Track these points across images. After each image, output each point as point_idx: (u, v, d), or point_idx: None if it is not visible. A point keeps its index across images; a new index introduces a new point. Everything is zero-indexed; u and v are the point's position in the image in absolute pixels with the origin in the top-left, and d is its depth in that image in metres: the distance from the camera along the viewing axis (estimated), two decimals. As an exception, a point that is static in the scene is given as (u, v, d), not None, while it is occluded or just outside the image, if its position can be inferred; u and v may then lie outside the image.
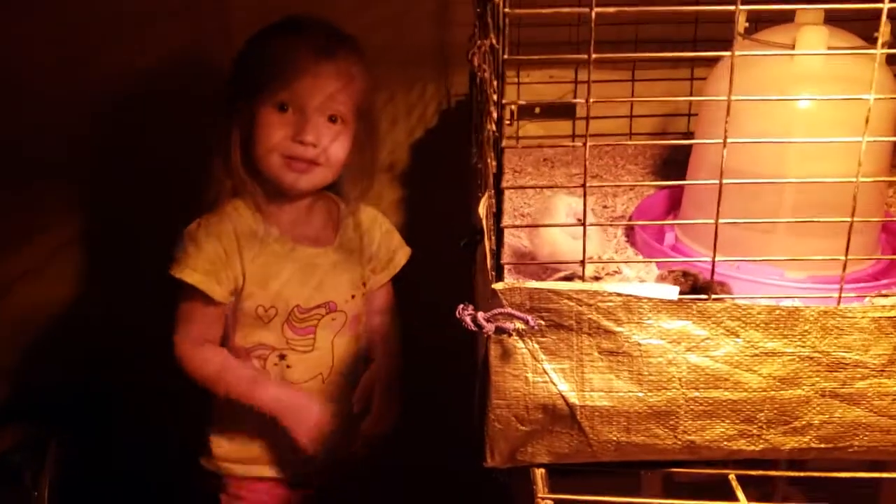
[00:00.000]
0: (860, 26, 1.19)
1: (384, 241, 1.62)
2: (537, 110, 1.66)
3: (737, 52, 0.78)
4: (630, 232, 1.33)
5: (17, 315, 1.98)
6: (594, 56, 0.77)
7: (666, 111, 1.74)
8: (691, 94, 1.69)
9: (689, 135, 1.72)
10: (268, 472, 1.55)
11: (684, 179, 1.33)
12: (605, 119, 1.72)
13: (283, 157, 1.43)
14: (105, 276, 1.97)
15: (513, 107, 0.80)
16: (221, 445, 1.54)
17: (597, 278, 1.00)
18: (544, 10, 0.77)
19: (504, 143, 0.81)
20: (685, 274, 1.06)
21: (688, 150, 1.63)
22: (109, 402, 1.98)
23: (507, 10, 0.76)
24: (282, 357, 1.50)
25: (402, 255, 1.64)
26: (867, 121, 0.79)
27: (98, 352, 1.98)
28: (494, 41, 0.81)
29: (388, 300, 1.65)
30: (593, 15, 0.75)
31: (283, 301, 1.47)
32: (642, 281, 1.13)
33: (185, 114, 1.73)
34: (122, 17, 1.75)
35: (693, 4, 1.15)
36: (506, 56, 0.78)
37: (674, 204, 1.36)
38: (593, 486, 0.97)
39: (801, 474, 0.94)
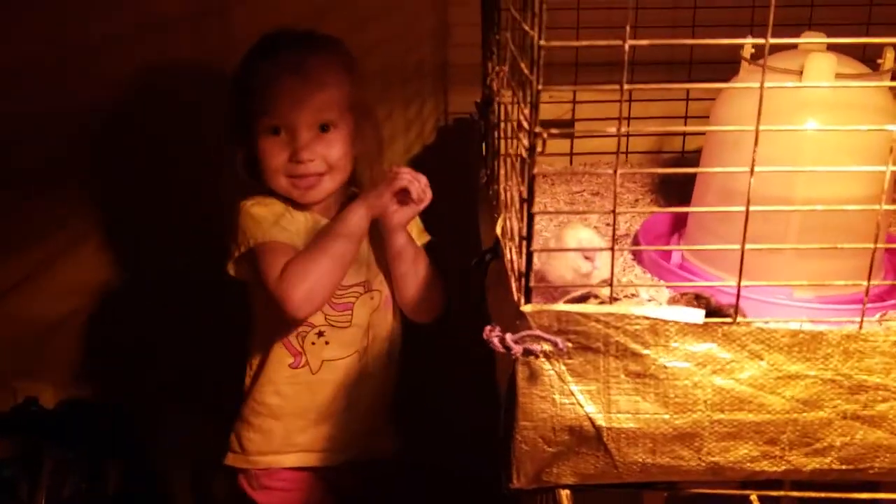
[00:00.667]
0: (857, 49, 1.23)
1: None
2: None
3: (767, 84, 0.79)
4: (636, 252, 1.35)
5: (12, 326, 1.97)
6: (626, 86, 0.79)
7: (661, 129, 1.76)
8: (686, 115, 1.72)
9: (687, 154, 1.75)
10: (294, 461, 1.58)
11: (685, 197, 1.35)
12: (599, 137, 1.74)
13: (288, 177, 1.49)
14: (104, 288, 1.98)
15: (545, 135, 0.81)
16: (252, 440, 1.57)
17: (614, 299, 1.02)
18: (579, 43, 0.78)
19: (536, 169, 0.83)
20: (698, 297, 1.08)
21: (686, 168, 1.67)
22: (113, 415, 1.98)
23: (542, 42, 0.78)
24: (320, 334, 1.52)
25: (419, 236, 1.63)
26: (892, 150, 0.80)
27: (99, 365, 1.98)
28: (527, 71, 0.82)
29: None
30: (626, 48, 0.77)
31: None
32: (652, 299, 1.15)
33: (187, 120, 1.75)
34: (125, 22, 1.76)
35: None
36: (540, 87, 0.79)
37: (678, 222, 1.39)
38: (591, 499, 0.99)
39: (801, 494, 0.96)
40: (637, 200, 1.55)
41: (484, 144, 1.35)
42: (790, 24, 1.46)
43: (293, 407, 1.55)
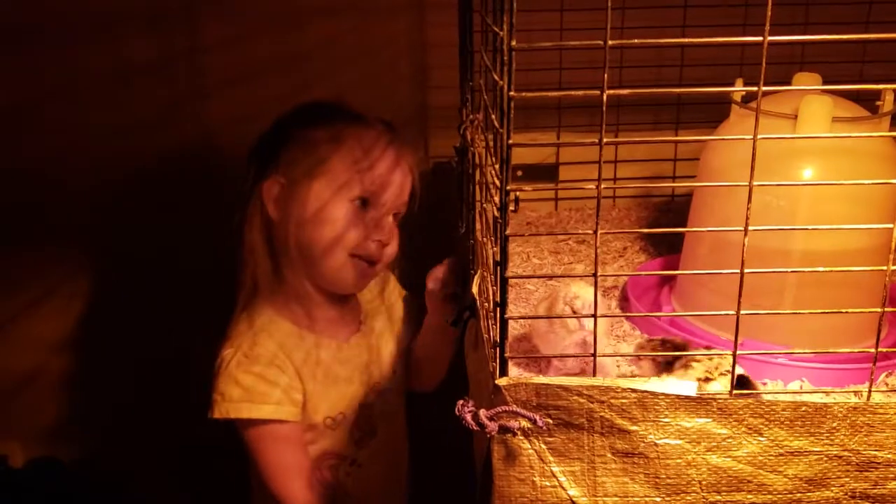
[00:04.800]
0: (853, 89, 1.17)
1: (396, 298, 1.50)
2: (519, 173, 1.61)
3: (761, 136, 0.72)
4: (625, 304, 1.28)
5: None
6: (605, 139, 0.72)
7: (649, 174, 1.70)
8: (675, 157, 1.66)
9: (677, 198, 1.68)
10: None
11: (675, 245, 1.29)
12: (587, 181, 1.68)
13: (351, 256, 1.28)
14: (73, 343, 1.90)
15: (518, 193, 0.74)
16: None
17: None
18: (551, 93, 0.71)
19: (508, 230, 0.75)
20: (664, 342, 1.01)
21: (675, 216, 1.60)
22: (85, 476, 1.90)
23: (512, 93, 0.71)
24: (353, 462, 1.37)
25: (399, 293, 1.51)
26: (898, 207, 0.73)
27: (71, 422, 1.90)
28: (497, 123, 0.75)
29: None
30: (605, 98, 0.70)
31: (346, 404, 1.35)
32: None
33: (165, 190, 1.69)
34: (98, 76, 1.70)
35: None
36: (511, 141, 0.72)
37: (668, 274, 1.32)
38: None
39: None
40: (625, 248, 1.48)
41: (460, 194, 1.28)
42: (782, 62, 1.42)
43: None
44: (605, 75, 0.70)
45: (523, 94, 0.71)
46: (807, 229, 1.05)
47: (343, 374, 1.35)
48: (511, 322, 0.79)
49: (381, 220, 1.28)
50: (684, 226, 1.27)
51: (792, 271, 1.06)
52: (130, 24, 1.68)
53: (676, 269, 1.27)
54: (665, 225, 1.58)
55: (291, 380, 1.27)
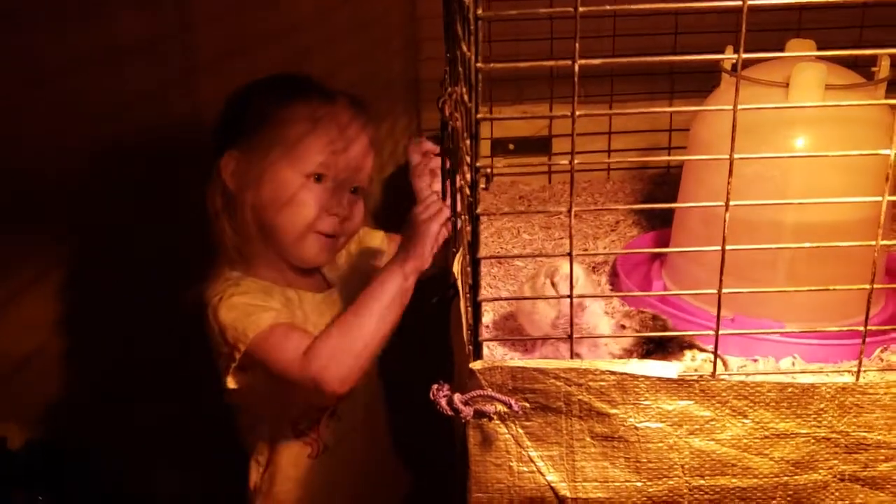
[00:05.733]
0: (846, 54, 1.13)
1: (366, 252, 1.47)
2: (511, 146, 1.58)
3: (742, 107, 0.69)
4: (615, 279, 1.25)
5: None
6: (578, 112, 0.69)
7: (645, 145, 1.66)
8: (671, 127, 1.62)
9: (672, 169, 1.65)
10: None
11: (668, 219, 1.26)
12: (581, 153, 1.64)
13: (316, 232, 1.29)
14: (72, 323, 1.88)
15: (488, 170, 0.71)
16: None
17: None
18: (521, 64, 0.68)
19: (479, 209, 0.72)
20: (655, 318, 0.99)
21: (671, 188, 1.57)
22: (85, 458, 1.89)
23: (479, 64, 0.68)
24: (332, 413, 1.36)
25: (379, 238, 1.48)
26: (888, 178, 0.70)
27: (70, 404, 1.89)
28: (466, 97, 0.72)
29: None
30: (576, 68, 0.67)
31: None
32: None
33: (157, 174, 1.66)
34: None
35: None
36: (479, 116, 0.69)
37: (659, 247, 1.29)
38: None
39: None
40: (618, 222, 1.44)
41: (444, 170, 1.25)
42: (778, 28, 1.38)
43: (320, 490, 1.38)
44: (577, 44, 0.67)
45: (491, 65, 0.68)
46: (792, 203, 1.02)
47: (323, 324, 1.30)
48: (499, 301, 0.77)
49: (341, 195, 1.29)
50: (676, 198, 1.24)
51: (777, 247, 1.02)
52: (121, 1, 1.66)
53: (668, 243, 1.24)
54: (660, 197, 1.55)
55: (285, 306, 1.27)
